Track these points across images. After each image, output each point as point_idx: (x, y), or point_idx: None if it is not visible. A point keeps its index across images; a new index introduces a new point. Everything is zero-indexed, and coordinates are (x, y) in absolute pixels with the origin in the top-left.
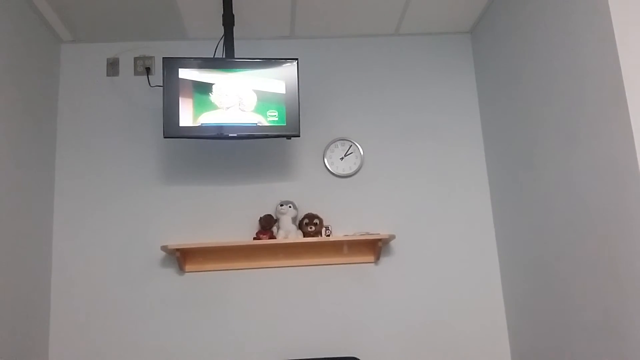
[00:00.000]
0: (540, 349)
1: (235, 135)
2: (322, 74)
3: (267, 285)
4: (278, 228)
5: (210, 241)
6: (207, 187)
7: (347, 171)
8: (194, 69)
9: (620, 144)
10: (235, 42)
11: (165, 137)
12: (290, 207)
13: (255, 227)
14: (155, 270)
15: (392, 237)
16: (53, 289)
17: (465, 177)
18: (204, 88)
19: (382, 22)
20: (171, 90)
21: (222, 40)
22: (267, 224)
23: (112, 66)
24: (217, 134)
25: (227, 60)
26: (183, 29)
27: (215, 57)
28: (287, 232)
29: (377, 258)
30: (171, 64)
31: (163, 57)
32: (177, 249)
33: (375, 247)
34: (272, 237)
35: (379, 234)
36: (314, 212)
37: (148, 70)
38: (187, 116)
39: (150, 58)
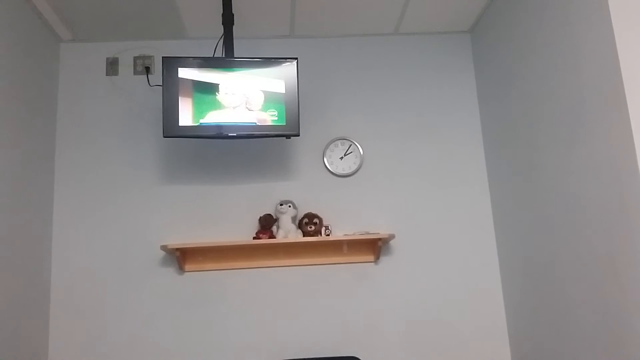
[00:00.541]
0: (540, 348)
1: (235, 134)
2: (322, 74)
3: (267, 285)
4: (278, 227)
5: (210, 241)
6: (206, 187)
7: (347, 170)
8: (193, 68)
9: (619, 143)
10: (235, 42)
11: (164, 137)
12: (290, 206)
13: (255, 226)
14: (155, 269)
15: (392, 236)
16: (53, 288)
17: (465, 177)
18: (208, 87)
19: (381, 21)
20: (171, 90)
21: (222, 40)
22: (267, 224)
23: (112, 65)
24: (217, 134)
25: (226, 59)
26: (183, 29)
27: (214, 56)
28: (287, 232)
29: (377, 257)
30: (171, 64)
31: (162, 57)
32: (177, 249)
33: (375, 247)
34: (272, 236)
35: (378, 233)
36: (314, 212)
37: (147, 70)
38: (186, 116)
39: (150, 57)
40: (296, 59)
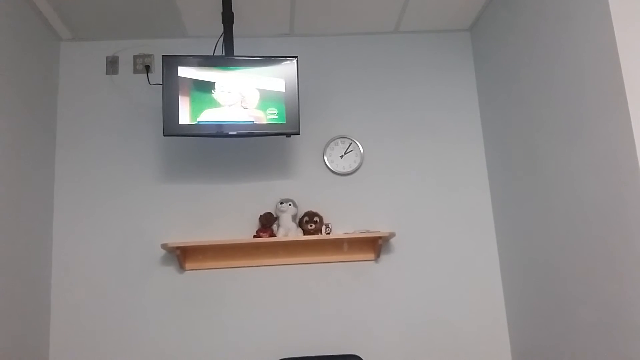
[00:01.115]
0: (541, 346)
1: (235, 133)
2: (322, 72)
3: (267, 283)
4: (278, 226)
5: (210, 239)
6: (207, 185)
7: (347, 169)
8: (193, 67)
9: (620, 142)
10: (235, 40)
11: (165, 135)
12: (290, 205)
13: (255, 225)
14: (155, 268)
15: (392, 234)
16: (53, 287)
17: (465, 175)
18: (204, 85)
19: (381, 19)
20: (171, 88)
21: (222, 38)
22: (267, 222)
23: (112, 64)
24: (217, 132)
25: (226, 58)
26: (182, 27)
27: (214, 55)
28: (287, 230)
29: (377, 256)
30: (171, 62)
31: (162, 55)
32: (177, 247)
33: (375, 245)
34: (272, 235)
35: (379, 231)
36: (314, 210)
37: (147, 69)
38: (186, 114)
39: (150, 56)
40: (296, 57)
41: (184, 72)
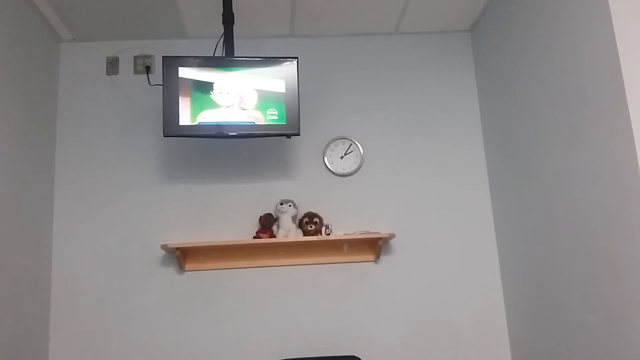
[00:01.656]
0: (540, 347)
1: (235, 134)
2: (322, 73)
3: (267, 284)
4: (278, 227)
5: (210, 240)
6: (207, 186)
7: (347, 170)
8: (193, 67)
9: (620, 143)
10: (235, 41)
11: (165, 136)
12: (290, 205)
13: (255, 226)
14: (155, 269)
15: (392, 235)
16: (53, 287)
17: (465, 176)
18: (203, 86)
19: (382, 20)
20: (171, 89)
21: (222, 39)
22: (267, 223)
23: (112, 65)
24: (217, 133)
25: (227, 59)
26: (183, 28)
27: (215, 55)
28: (287, 231)
29: (377, 257)
30: (171, 63)
31: (163, 56)
32: (177, 248)
33: (375, 246)
34: (272, 236)
35: (379, 232)
36: (314, 211)
37: (148, 69)
38: (187, 115)
39: (150, 57)
40: (296, 58)
41: (185, 72)
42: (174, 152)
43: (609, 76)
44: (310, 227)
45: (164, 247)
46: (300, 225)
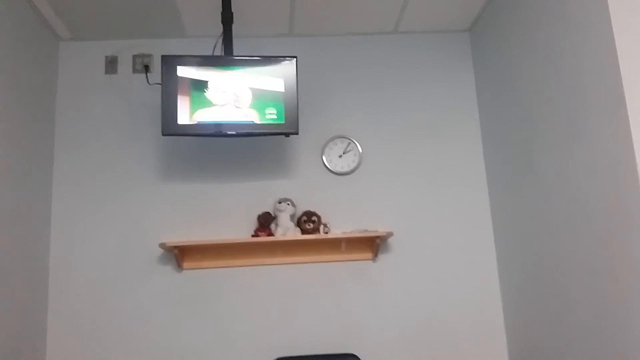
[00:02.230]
0: (538, 347)
1: (234, 132)
2: (321, 72)
3: (265, 283)
4: (276, 225)
5: (208, 238)
6: (205, 185)
7: (346, 169)
8: (192, 66)
9: (619, 142)
10: (234, 40)
11: (163, 135)
12: (288, 204)
13: (253, 224)
14: (153, 267)
15: (390, 234)
16: (51, 286)
17: (464, 175)
18: (199, 85)
19: (381, 20)
20: (170, 88)
21: (221, 38)
22: (266, 222)
23: (111, 64)
24: (216, 132)
25: (225, 58)
26: (182, 27)
27: (214, 55)
28: (286, 230)
29: (375, 255)
30: (170, 62)
31: (162, 55)
32: (176, 246)
33: (373, 245)
34: (271, 234)
35: (377, 231)
36: (312, 210)
37: (147, 68)
38: (185, 114)
39: (149, 56)
40: (295, 57)
41: (183, 71)
42: (172, 151)
43: (607, 76)
44: (309, 225)
45: (162, 245)
46: (299, 223)
